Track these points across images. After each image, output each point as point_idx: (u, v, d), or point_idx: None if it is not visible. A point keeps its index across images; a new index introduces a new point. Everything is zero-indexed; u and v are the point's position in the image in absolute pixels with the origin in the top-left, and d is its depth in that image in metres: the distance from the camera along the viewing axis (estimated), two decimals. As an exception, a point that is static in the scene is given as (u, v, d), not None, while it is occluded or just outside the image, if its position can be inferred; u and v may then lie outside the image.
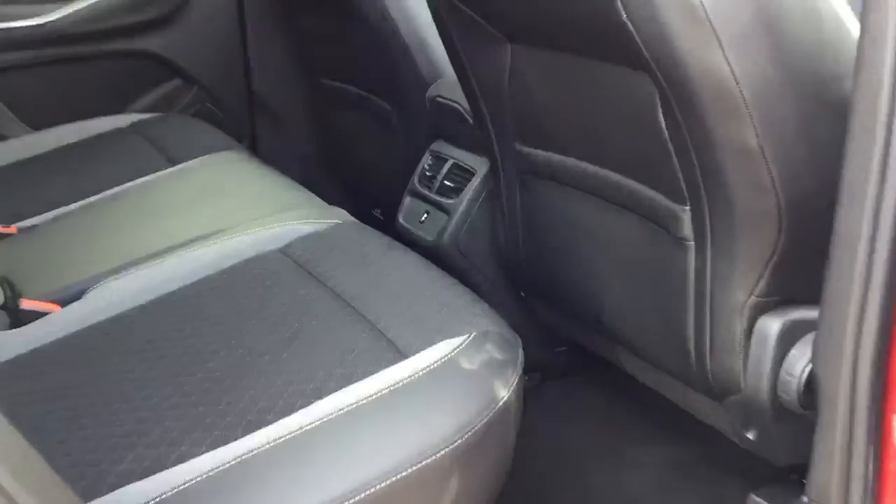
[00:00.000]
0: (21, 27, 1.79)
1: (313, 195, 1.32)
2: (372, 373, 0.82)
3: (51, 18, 1.82)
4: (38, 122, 1.86)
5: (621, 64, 0.94)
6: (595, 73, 1.00)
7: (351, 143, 1.99)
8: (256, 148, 2.17)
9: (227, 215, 1.24)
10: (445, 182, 1.48)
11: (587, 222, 1.16)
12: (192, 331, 0.95)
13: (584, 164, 1.12)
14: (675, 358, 1.04)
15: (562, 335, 1.40)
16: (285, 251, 1.10)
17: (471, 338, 0.85)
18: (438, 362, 0.82)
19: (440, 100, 1.50)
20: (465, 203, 1.42)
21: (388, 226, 1.61)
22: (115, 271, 1.12)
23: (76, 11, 1.84)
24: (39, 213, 1.40)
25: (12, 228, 1.35)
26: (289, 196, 1.30)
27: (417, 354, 0.84)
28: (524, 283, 1.39)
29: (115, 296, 1.07)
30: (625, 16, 0.84)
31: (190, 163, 1.50)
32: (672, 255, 0.99)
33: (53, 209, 1.40)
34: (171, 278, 1.08)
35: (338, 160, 2.10)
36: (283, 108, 2.14)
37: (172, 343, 0.94)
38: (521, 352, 0.89)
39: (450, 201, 1.45)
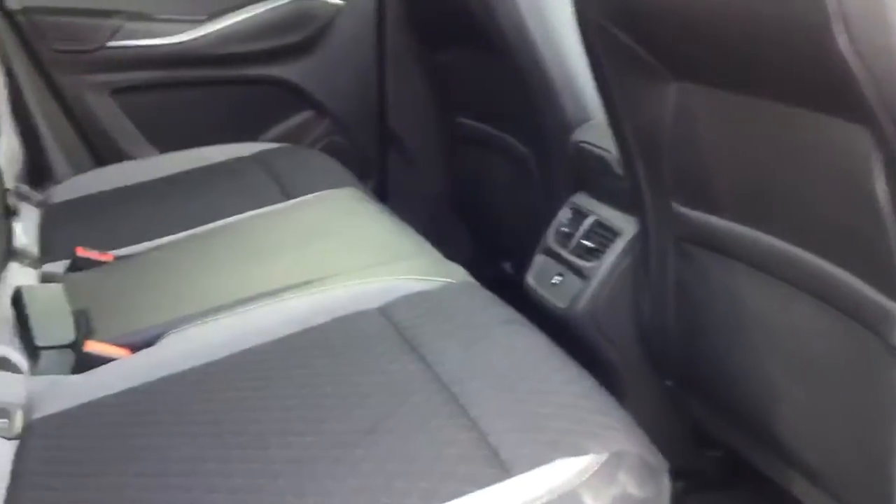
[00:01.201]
0: (156, 45, 1.75)
1: (429, 246, 1.14)
2: (463, 492, 0.62)
3: (186, 38, 1.76)
4: (165, 145, 1.81)
5: (829, 111, 0.71)
6: (787, 121, 0.78)
7: (483, 187, 1.82)
8: (383, 186, 2.04)
9: (330, 261, 1.09)
10: (584, 241, 1.27)
11: (759, 306, 0.93)
12: (261, 402, 0.79)
13: (761, 235, 0.89)
14: (872, 500, 0.78)
15: (714, 437, 1.15)
16: (385, 312, 0.92)
17: (601, 461, 0.64)
18: (553, 493, 0.61)
19: (585, 146, 1.30)
20: (605, 268, 1.20)
21: (518, 282, 1.42)
22: (196, 317, 0.98)
23: (213, 32, 1.78)
24: (141, 242, 1.30)
25: (109, 256, 1.25)
26: (401, 244, 1.13)
27: (526, 474, 0.63)
28: (671, 370, 1.15)
29: (189, 345, 0.93)
30: (845, 42, 0.62)
31: (304, 198, 1.37)
32: (881, 368, 0.74)
33: (156, 238, 1.30)
34: (253, 331, 0.93)
35: (468, 205, 1.93)
36: (416, 145, 2.01)
37: (234, 414, 0.78)
38: (667, 484, 0.66)
39: (588, 264, 1.24)
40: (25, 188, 1.53)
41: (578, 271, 1.26)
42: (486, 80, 1.62)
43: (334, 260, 1.08)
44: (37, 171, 1.65)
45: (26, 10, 1.65)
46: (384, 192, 2.05)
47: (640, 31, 0.93)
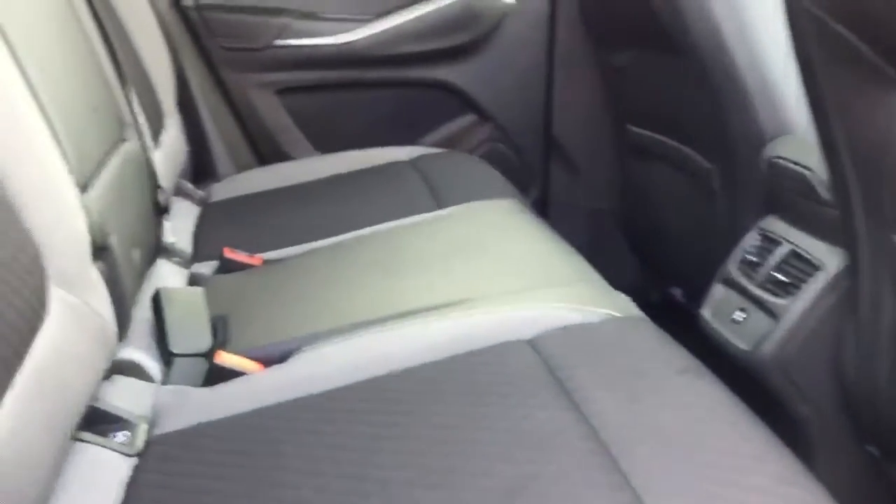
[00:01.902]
0: (321, 45, 1.72)
1: (592, 270, 1.01)
2: None
3: (352, 38, 1.72)
4: (325, 145, 1.78)
5: None
6: None
7: (655, 202, 1.65)
8: (545, 197, 1.92)
9: (479, 281, 0.98)
10: (775, 274, 1.09)
11: None
12: (390, 443, 0.70)
13: None
14: None
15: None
16: (536, 344, 0.81)
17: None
18: None
19: (781, 162, 1.13)
20: (801, 307, 1.03)
21: (689, 312, 1.27)
22: (332, 334, 0.90)
23: (380, 33, 1.73)
24: (291, 245, 1.25)
25: (257, 259, 1.21)
26: (560, 266, 1.01)
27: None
28: (876, 435, 0.96)
29: (321, 366, 0.86)
30: None
31: (458, 208, 1.28)
32: None
33: (304, 243, 1.25)
34: (389, 355, 0.84)
35: (636, 222, 1.78)
36: (582, 155, 1.87)
37: (359, 454, 0.69)
38: None
39: (779, 301, 1.07)
40: (187, 185, 1.54)
41: (767, 308, 1.09)
42: (666, 85, 1.46)
43: (484, 280, 0.98)
44: (200, 168, 1.65)
45: (199, 7, 1.67)
46: (545, 204, 1.93)
47: (867, 26, 0.76)
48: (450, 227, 1.20)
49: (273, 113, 1.74)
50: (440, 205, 1.32)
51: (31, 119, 0.79)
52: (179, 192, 1.48)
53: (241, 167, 1.73)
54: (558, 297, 0.90)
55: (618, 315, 0.87)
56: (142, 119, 1.17)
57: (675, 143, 1.48)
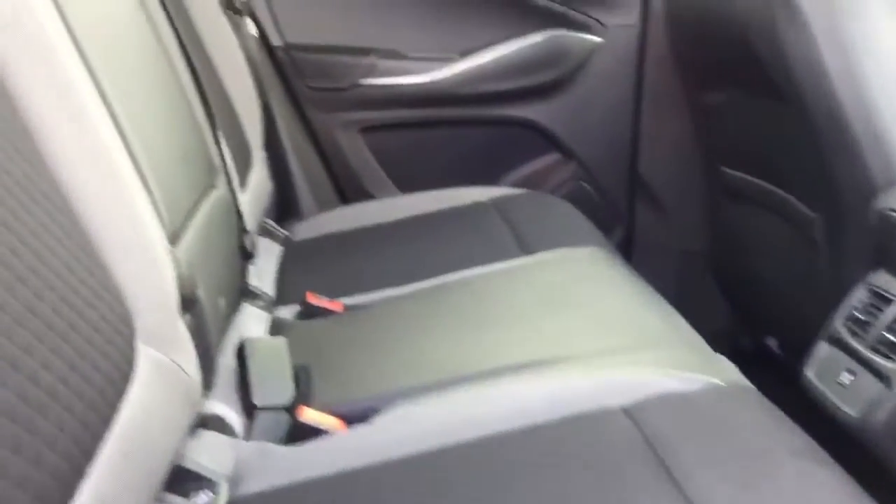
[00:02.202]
0: (406, 84, 1.71)
1: (689, 328, 0.96)
2: None
3: (436, 77, 1.71)
4: (407, 185, 1.77)
5: None
6: None
7: (750, 248, 1.58)
8: (630, 237, 1.86)
9: (571, 337, 0.94)
10: (887, 335, 1.02)
11: None
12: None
13: None
14: None
15: None
16: (632, 414, 0.76)
17: None
18: None
19: (894, 215, 1.06)
20: (919, 374, 0.95)
21: (786, 366, 1.20)
22: (416, 392, 0.88)
23: (463, 72, 1.71)
24: (371, 290, 1.23)
25: (338, 305, 1.19)
26: (655, 324, 0.96)
27: None
28: None
29: (406, 427, 0.83)
30: None
31: (544, 255, 1.24)
32: None
33: (385, 287, 1.23)
34: (479, 417, 0.81)
35: (728, 265, 1.70)
36: (669, 195, 1.81)
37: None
38: None
39: (892, 365, 0.99)
40: (271, 223, 1.54)
41: (878, 372, 1.01)
42: (765, 127, 1.40)
43: (575, 337, 0.94)
44: (283, 206, 1.66)
45: (287, 47, 1.68)
46: (630, 243, 1.87)
47: None
48: (537, 276, 1.16)
49: (356, 151, 1.74)
50: (525, 250, 1.28)
51: (122, 169, 0.78)
52: (263, 230, 1.48)
53: (324, 205, 1.73)
54: (656, 360, 0.85)
55: (721, 384, 0.81)
56: (230, 163, 1.17)
57: (773, 189, 1.41)
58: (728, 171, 1.57)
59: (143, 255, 0.76)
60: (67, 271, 0.62)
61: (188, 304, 0.83)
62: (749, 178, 1.50)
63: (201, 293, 0.87)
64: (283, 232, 1.55)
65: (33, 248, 0.59)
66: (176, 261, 0.80)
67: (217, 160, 1.16)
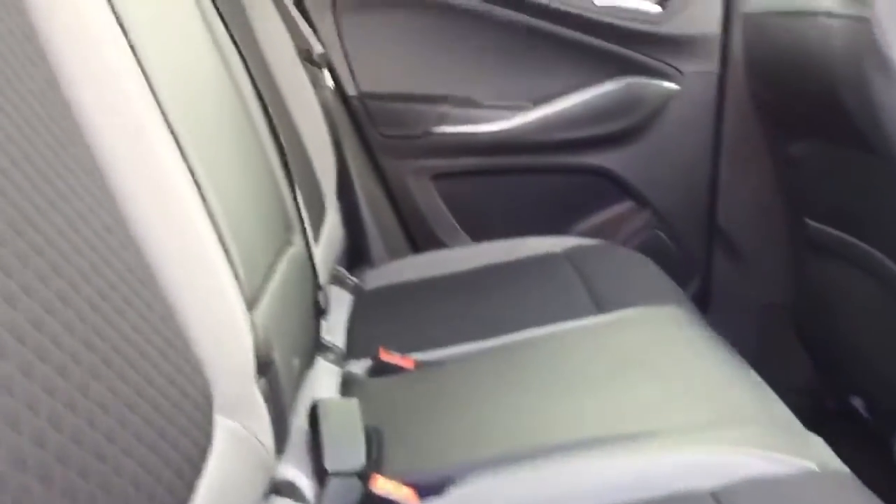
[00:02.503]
0: (477, 132, 1.71)
1: (779, 403, 0.92)
2: None
3: (508, 126, 1.70)
4: (478, 233, 1.76)
5: None
6: None
7: (835, 304, 1.52)
8: (707, 288, 1.81)
9: (652, 409, 0.91)
10: None
11: None
12: None
13: None
14: None
15: None
16: (721, 499, 0.72)
17: None
18: None
19: None
20: None
21: (871, 426, 1.13)
22: (490, 464, 0.85)
23: (536, 120, 1.70)
24: (443, 346, 1.22)
25: (409, 362, 1.18)
26: (743, 399, 0.92)
27: None
28: None
29: (483, 502, 0.80)
30: None
31: (621, 314, 1.20)
32: None
33: (457, 343, 1.21)
34: (559, 496, 0.78)
35: (812, 321, 1.64)
36: (749, 246, 1.76)
37: None
38: None
39: None
40: (342, 271, 1.54)
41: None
42: (852, 180, 1.34)
43: (656, 410, 0.90)
44: (354, 253, 1.66)
45: (361, 96, 1.70)
46: (707, 294, 1.82)
47: None
48: (614, 337, 1.12)
49: (427, 199, 1.74)
50: (599, 307, 1.25)
51: (202, 231, 0.77)
52: (334, 278, 1.49)
53: (395, 252, 1.73)
54: (745, 438, 0.81)
55: (815, 468, 0.76)
56: (307, 217, 1.17)
57: (863, 245, 1.35)
58: (812, 223, 1.52)
59: (222, 323, 0.76)
60: (149, 346, 0.62)
61: (263, 368, 0.82)
62: (836, 232, 1.44)
63: (276, 356, 0.87)
64: (353, 279, 1.55)
65: (118, 329, 0.58)
66: (254, 326, 0.80)
67: (294, 215, 1.16)
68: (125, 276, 0.63)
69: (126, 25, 0.74)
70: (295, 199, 1.16)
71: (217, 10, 1.12)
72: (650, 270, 1.43)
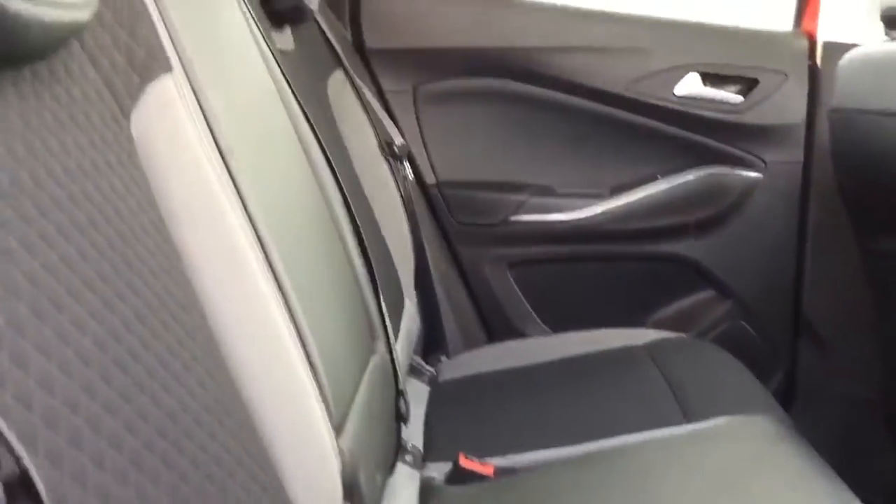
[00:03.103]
0: (554, 220, 1.70)
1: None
2: None
3: (586, 214, 1.69)
4: (555, 322, 1.74)
5: None
6: None
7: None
8: (791, 381, 1.75)
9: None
10: None
11: None
12: None
13: None
14: None
15: None
16: None
17: None
18: None
19: None
20: None
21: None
22: None
23: (615, 208, 1.69)
24: (519, 451, 1.19)
25: (489, 468, 1.16)
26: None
27: None
28: None
29: None
30: None
31: (709, 424, 1.16)
32: None
33: (534, 449, 1.19)
34: None
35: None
36: (837, 337, 1.70)
37: None
38: None
39: None
40: (419, 361, 1.54)
41: None
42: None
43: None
44: (430, 341, 1.66)
45: (439, 185, 1.71)
46: (792, 389, 1.75)
47: None
48: (703, 452, 1.09)
49: (504, 287, 1.73)
50: (686, 415, 1.21)
51: (292, 357, 0.78)
52: (411, 369, 1.48)
53: (470, 341, 1.72)
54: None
55: None
56: (390, 323, 1.17)
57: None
58: (906, 321, 1.46)
59: (309, 451, 0.76)
60: (234, 464, 0.62)
61: (349, 490, 0.82)
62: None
63: (362, 476, 0.86)
64: (429, 369, 1.54)
65: (202, 446, 0.58)
66: (341, 452, 0.80)
67: (377, 321, 1.16)
68: (212, 405, 0.63)
69: (216, 130, 0.74)
70: (379, 305, 1.16)
71: (301, 107, 1.14)
72: (737, 371, 1.39)
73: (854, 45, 1.58)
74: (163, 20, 0.69)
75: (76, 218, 0.50)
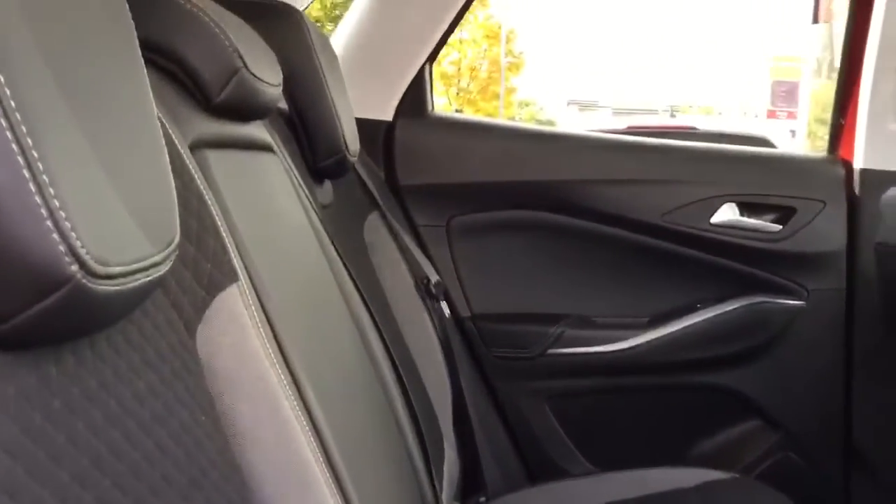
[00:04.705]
0: (593, 352, 1.66)
1: None
2: None
3: (625, 346, 1.65)
4: (597, 457, 1.68)
5: None
6: None
7: None
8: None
9: None
10: None
11: None
12: None
13: None
14: None
15: None
16: None
17: None
18: None
19: None
20: None
21: None
22: None
23: (655, 339, 1.65)
24: None
25: None
26: None
27: None
28: None
29: None
30: None
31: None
32: None
33: None
34: None
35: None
36: (891, 469, 1.62)
37: None
38: None
39: None
40: (459, 508, 1.47)
41: None
42: None
43: None
44: (468, 482, 1.60)
45: (475, 318, 1.68)
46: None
47: None
48: None
49: (543, 422, 1.68)
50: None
51: None
52: (453, 515, 1.42)
53: (511, 481, 1.65)
54: None
55: None
56: (438, 484, 1.12)
57: None
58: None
59: None
60: None
61: None
62: None
63: None
64: (471, 515, 1.48)
65: None
66: None
67: (422, 470, 1.12)
68: None
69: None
70: (425, 455, 1.12)
71: (342, 262, 1.13)
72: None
73: (891, 172, 1.57)
74: (227, 226, 0.68)
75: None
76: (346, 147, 1.24)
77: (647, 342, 1.64)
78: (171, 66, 0.74)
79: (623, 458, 1.56)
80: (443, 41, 1.65)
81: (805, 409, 1.66)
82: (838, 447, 1.66)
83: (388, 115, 1.67)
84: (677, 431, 1.69)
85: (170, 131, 0.64)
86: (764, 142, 5.99)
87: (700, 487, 1.43)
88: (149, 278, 0.44)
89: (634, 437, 1.68)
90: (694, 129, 6.97)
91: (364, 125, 1.39)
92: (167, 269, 0.46)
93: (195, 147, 0.72)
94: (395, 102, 1.66)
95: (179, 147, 0.66)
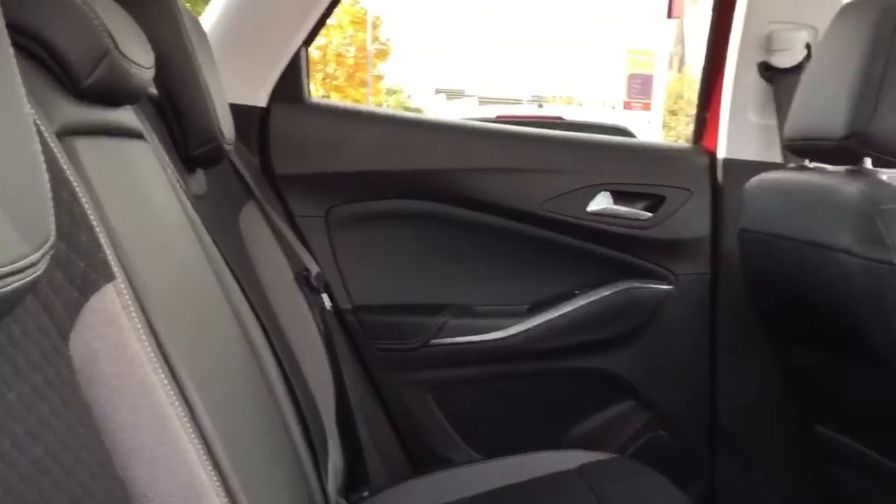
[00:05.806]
0: (475, 342, 1.66)
1: None
2: None
3: (506, 334, 1.66)
4: (480, 445, 1.69)
5: None
6: None
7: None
8: (713, 489, 1.76)
9: None
10: None
11: None
12: None
13: None
14: None
15: None
16: None
17: None
18: None
19: None
20: None
21: None
22: None
23: (534, 327, 1.67)
24: None
25: None
26: None
27: None
28: None
29: None
30: None
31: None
32: None
33: None
34: None
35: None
36: (755, 447, 1.72)
37: None
38: None
39: None
40: (341, 502, 1.45)
41: None
42: (870, 395, 1.33)
43: None
44: (352, 478, 1.57)
45: (356, 310, 1.65)
46: (713, 495, 1.76)
47: None
48: None
49: (426, 413, 1.67)
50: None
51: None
52: (336, 513, 1.39)
53: (394, 472, 1.64)
54: None
55: None
56: (320, 466, 1.10)
57: (882, 459, 1.33)
58: (824, 431, 1.49)
59: None
60: None
61: None
62: (851, 443, 1.42)
63: None
64: (354, 510, 1.45)
65: None
66: None
67: (308, 465, 1.09)
68: None
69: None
70: (312, 449, 1.09)
71: (221, 255, 1.09)
72: (669, 494, 1.37)
73: (752, 162, 1.65)
74: (100, 220, 0.62)
75: None
76: (221, 134, 1.19)
77: (527, 329, 1.67)
78: (34, 46, 0.68)
79: (506, 444, 1.57)
80: (320, 24, 1.59)
81: (674, 389, 1.73)
82: (705, 424, 1.74)
83: (262, 101, 1.60)
84: (557, 415, 1.72)
85: (35, 118, 0.58)
86: (625, 132, 6.22)
87: (580, 469, 1.46)
88: (23, 280, 0.39)
89: (516, 424, 1.71)
90: (561, 118, 7.17)
91: (237, 111, 1.33)
92: (43, 269, 0.41)
93: (62, 134, 0.66)
94: (270, 87, 1.60)
95: (46, 135, 0.60)
